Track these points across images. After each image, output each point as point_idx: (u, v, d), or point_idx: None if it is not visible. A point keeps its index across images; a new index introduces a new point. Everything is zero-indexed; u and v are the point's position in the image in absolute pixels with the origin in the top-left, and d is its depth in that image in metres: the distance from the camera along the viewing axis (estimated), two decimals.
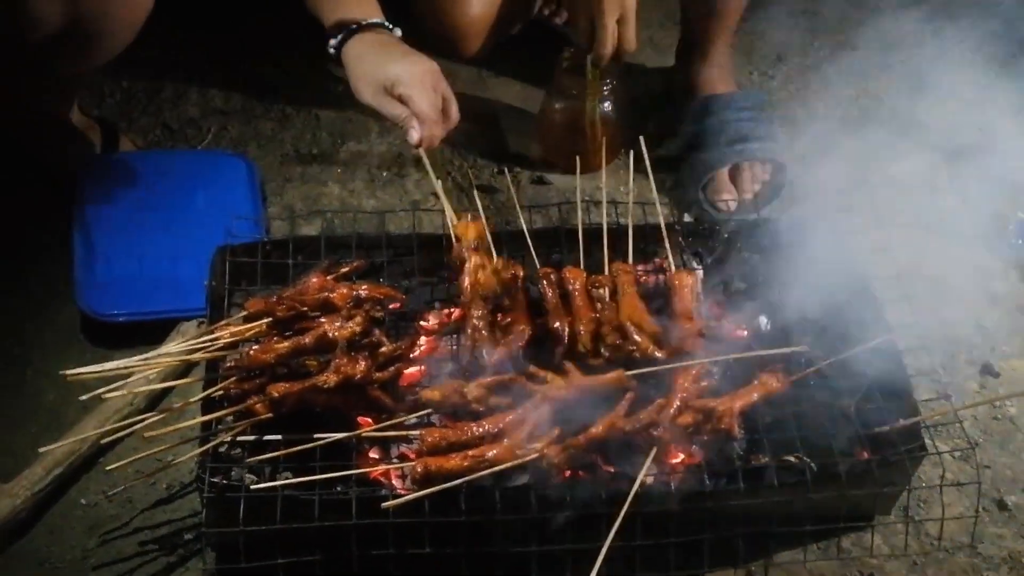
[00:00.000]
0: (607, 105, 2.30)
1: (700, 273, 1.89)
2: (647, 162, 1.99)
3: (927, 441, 1.67)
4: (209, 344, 1.69)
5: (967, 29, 2.01)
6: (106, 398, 1.60)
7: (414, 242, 1.91)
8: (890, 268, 1.94)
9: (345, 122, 2.50)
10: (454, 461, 1.53)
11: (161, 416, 1.63)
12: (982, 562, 1.74)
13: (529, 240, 1.89)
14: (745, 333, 1.84)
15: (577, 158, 2.02)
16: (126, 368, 1.63)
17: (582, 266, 1.87)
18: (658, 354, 1.71)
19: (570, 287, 1.82)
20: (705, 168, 2.29)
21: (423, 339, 1.80)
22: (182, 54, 2.60)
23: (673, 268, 1.88)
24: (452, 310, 1.84)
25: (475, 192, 2.00)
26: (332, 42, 2.01)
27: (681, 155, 2.36)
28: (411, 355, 1.74)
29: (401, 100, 1.93)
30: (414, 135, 1.91)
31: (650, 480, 1.59)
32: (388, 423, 1.62)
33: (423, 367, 1.75)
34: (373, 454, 1.66)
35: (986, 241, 2.30)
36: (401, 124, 1.93)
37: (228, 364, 1.65)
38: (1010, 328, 2.12)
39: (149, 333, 1.89)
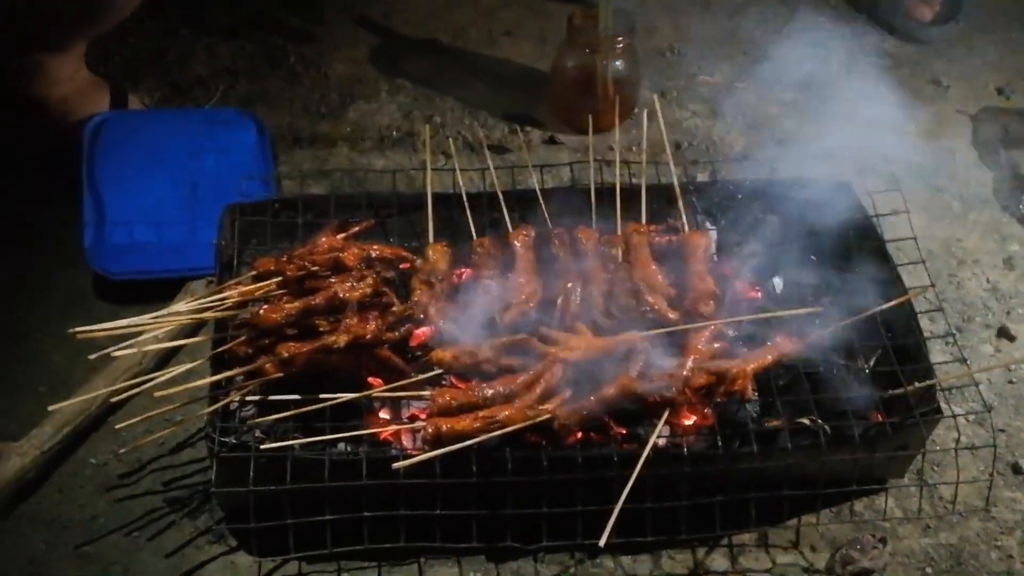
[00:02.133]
0: (620, 63, 2.27)
1: (714, 234, 1.87)
2: (660, 120, 1.96)
3: (942, 404, 1.66)
4: (218, 303, 1.68)
5: None
6: (115, 356, 1.59)
7: (424, 201, 1.88)
8: (905, 230, 1.91)
9: (354, 81, 2.48)
10: (465, 422, 1.52)
11: (170, 375, 1.62)
12: (996, 526, 1.73)
13: (541, 200, 1.87)
14: (759, 294, 1.82)
15: (590, 117, 1.99)
16: (135, 327, 1.61)
17: (594, 226, 1.84)
18: (671, 315, 1.70)
19: (582, 247, 1.80)
20: None
21: None
22: (190, 12, 2.57)
23: (687, 229, 1.85)
24: (462, 270, 1.82)
25: (486, 151, 1.97)
26: None
27: None
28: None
29: None
30: None
31: (662, 442, 1.58)
32: (399, 383, 1.61)
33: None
34: (383, 415, 1.65)
35: (1003, 203, 2.28)
36: None
37: (237, 323, 1.64)
38: None
39: (158, 292, 1.88)
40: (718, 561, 1.65)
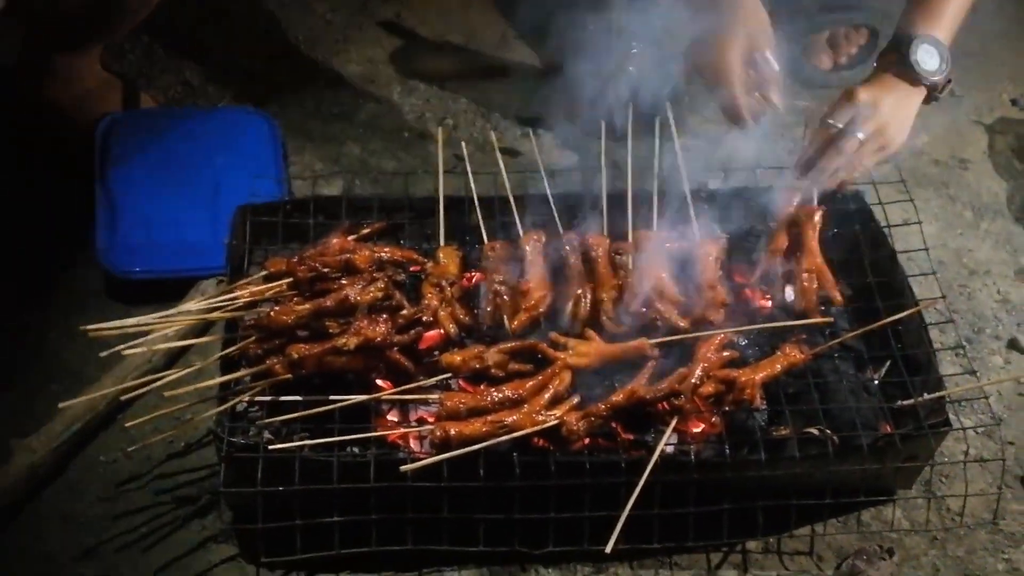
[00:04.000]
0: (634, 69, 2.26)
1: (724, 241, 1.87)
2: (673, 127, 1.96)
3: (951, 416, 1.66)
4: (228, 303, 1.68)
5: None
6: (126, 354, 1.59)
7: (436, 204, 1.89)
8: (917, 240, 1.91)
9: (367, 82, 2.48)
10: (473, 426, 1.52)
11: (180, 374, 1.62)
12: (1003, 539, 1.72)
13: (552, 204, 1.87)
14: (769, 303, 1.82)
15: (602, 122, 1.99)
16: (146, 325, 1.62)
17: (605, 232, 1.84)
18: (681, 323, 1.70)
19: (593, 253, 1.80)
20: (803, 32, 2.35)
21: None
22: (203, 11, 2.57)
23: (698, 236, 1.85)
24: (473, 274, 1.83)
25: (498, 154, 1.97)
26: None
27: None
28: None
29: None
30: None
31: (670, 449, 1.58)
32: (408, 386, 1.61)
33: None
34: (392, 417, 1.66)
35: (1016, 214, 2.27)
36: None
37: (247, 323, 1.65)
38: None
39: (168, 291, 1.88)
40: (725, 569, 1.65)
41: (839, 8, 2.39)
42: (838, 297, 1.76)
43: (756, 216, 1.91)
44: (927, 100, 1.84)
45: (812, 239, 1.82)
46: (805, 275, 1.78)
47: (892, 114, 1.80)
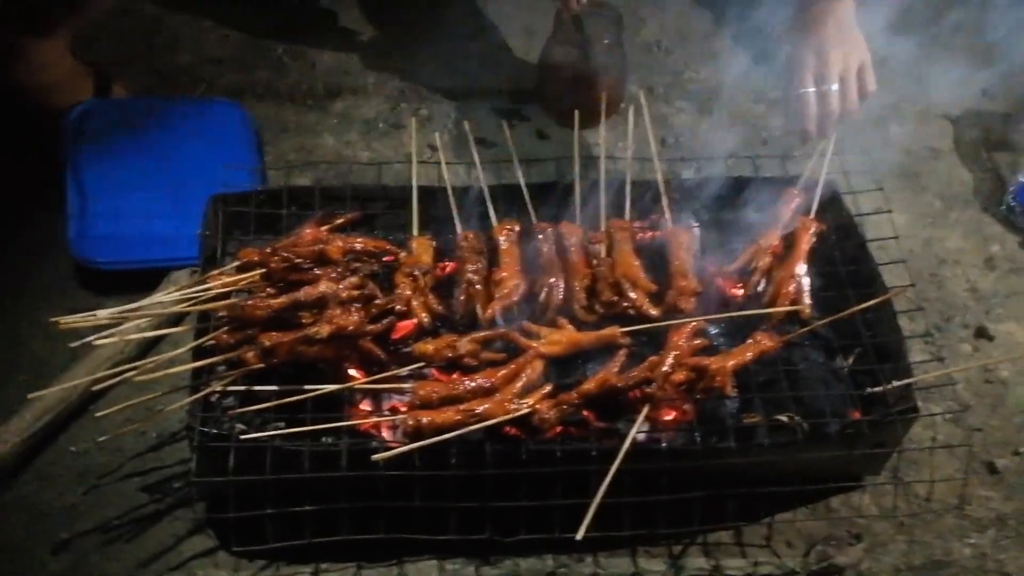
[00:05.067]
0: (607, 58, 2.28)
1: (697, 231, 1.88)
2: (646, 116, 1.97)
3: (919, 403, 1.67)
4: (201, 293, 1.68)
5: None
6: (96, 345, 1.58)
7: (409, 194, 1.89)
8: (887, 229, 1.93)
9: (342, 72, 2.47)
10: (446, 415, 1.53)
11: (152, 363, 1.62)
12: (970, 524, 1.75)
13: (526, 194, 1.88)
14: (741, 292, 1.83)
15: (576, 112, 1.99)
16: (118, 316, 1.61)
17: (578, 222, 1.85)
18: (653, 311, 1.71)
19: (566, 243, 1.80)
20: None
21: None
22: (176, 0, 2.56)
23: (670, 225, 1.86)
24: (446, 264, 1.83)
25: (472, 145, 1.97)
26: None
27: None
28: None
29: None
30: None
31: (641, 437, 1.59)
32: (380, 376, 1.62)
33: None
34: (365, 406, 1.66)
35: (984, 203, 2.30)
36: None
37: (220, 315, 1.64)
38: (1005, 291, 2.12)
39: (140, 281, 1.87)
40: (695, 556, 1.66)
41: None
42: (807, 311, 1.76)
43: (735, 206, 1.92)
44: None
45: (803, 249, 1.82)
46: (786, 281, 1.78)
47: (843, 40, 1.80)
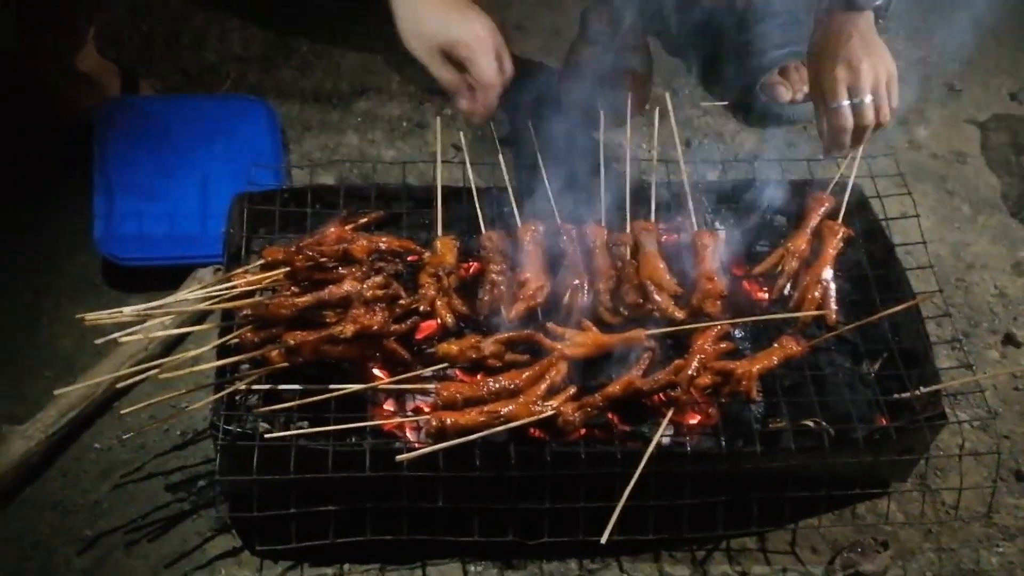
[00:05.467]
0: (633, 59, 2.26)
1: (723, 234, 1.87)
2: (672, 118, 1.96)
3: (947, 410, 1.66)
4: (225, 292, 1.68)
5: None
6: (121, 342, 1.59)
7: (434, 194, 1.88)
8: (915, 234, 1.91)
9: (366, 71, 2.47)
10: (470, 416, 1.52)
11: (177, 360, 1.62)
12: (997, 532, 1.73)
13: (551, 195, 1.87)
14: (767, 295, 1.82)
15: (601, 113, 1.98)
16: (143, 313, 1.62)
17: (603, 223, 1.84)
18: (678, 315, 1.70)
19: (590, 244, 1.80)
20: (759, 70, 2.36)
21: None
22: None
23: (696, 228, 1.85)
24: (470, 264, 1.82)
25: (497, 144, 1.96)
26: None
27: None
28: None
29: (458, 63, 1.73)
30: (464, 103, 1.75)
31: (666, 441, 1.58)
32: (404, 376, 1.61)
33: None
34: (388, 407, 1.65)
35: (1012, 208, 2.28)
36: (452, 91, 1.76)
37: (244, 313, 1.64)
38: None
39: (166, 278, 1.88)
40: (719, 561, 1.65)
41: (790, 44, 2.38)
42: (833, 317, 1.74)
43: (761, 210, 1.91)
44: (877, 19, 1.83)
45: (830, 254, 1.81)
46: (813, 285, 1.77)
47: (869, 52, 1.80)
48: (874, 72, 1.80)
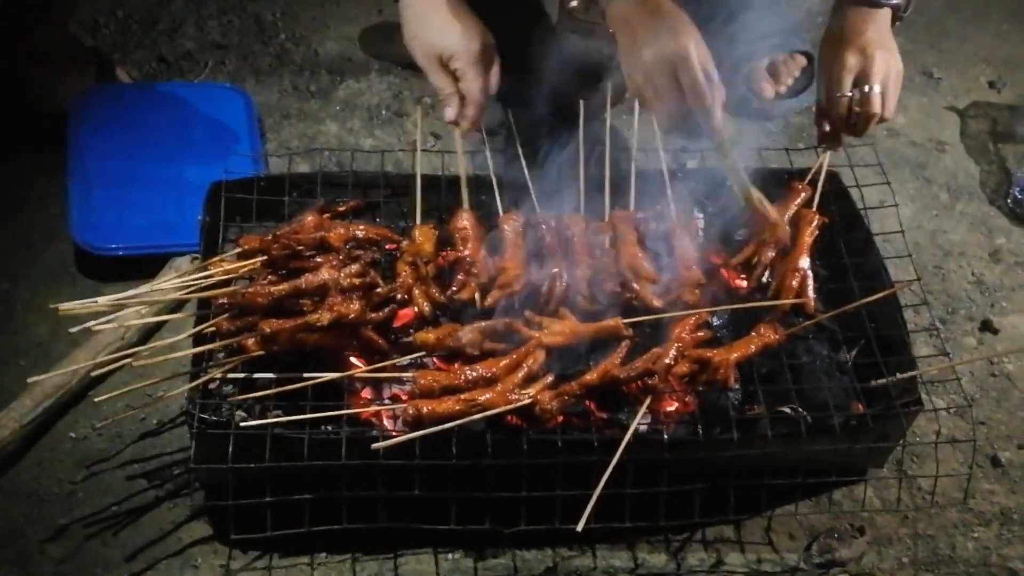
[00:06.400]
0: (612, 49, 2.25)
1: (701, 222, 1.86)
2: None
3: (923, 396, 1.66)
4: (202, 280, 1.67)
5: None
6: (97, 331, 1.58)
7: (412, 182, 1.87)
8: (893, 223, 1.91)
9: (344, 60, 2.46)
10: (447, 404, 1.52)
11: (152, 350, 1.61)
12: (973, 518, 1.74)
13: (530, 184, 1.86)
14: (744, 284, 1.82)
15: (580, 102, 1.98)
16: (118, 302, 1.60)
17: (582, 212, 1.84)
18: (655, 303, 1.70)
19: (570, 233, 1.79)
20: (743, 60, 2.34)
21: None
22: None
23: (675, 216, 1.85)
24: (448, 252, 1.82)
25: (484, 134, 1.95)
26: None
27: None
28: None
29: (453, 73, 1.76)
30: (450, 112, 1.78)
31: (643, 429, 1.58)
32: (381, 364, 1.61)
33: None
34: (365, 395, 1.65)
35: (990, 196, 2.28)
36: (442, 97, 1.79)
37: (220, 302, 1.63)
38: (1011, 284, 2.11)
39: (141, 266, 1.87)
40: (696, 548, 1.65)
41: (776, 35, 2.37)
42: (811, 305, 1.74)
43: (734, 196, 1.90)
44: (893, 21, 1.82)
45: (807, 242, 1.81)
46: (790, 274, 1.77)
47: (883, 45, 1.80)
48: (886, 64, 1.80)
